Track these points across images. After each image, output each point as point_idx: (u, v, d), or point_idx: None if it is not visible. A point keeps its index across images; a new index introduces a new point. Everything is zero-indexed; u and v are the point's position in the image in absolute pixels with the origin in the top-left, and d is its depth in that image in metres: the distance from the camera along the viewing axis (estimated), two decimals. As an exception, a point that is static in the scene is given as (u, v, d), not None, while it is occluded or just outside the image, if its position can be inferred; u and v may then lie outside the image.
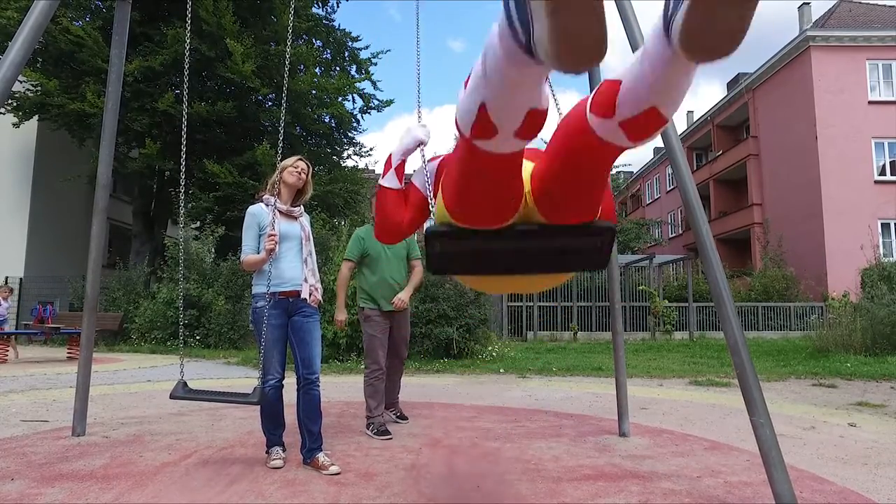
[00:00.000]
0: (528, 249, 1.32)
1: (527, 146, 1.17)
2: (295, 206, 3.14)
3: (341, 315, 4.07)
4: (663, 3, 0.90)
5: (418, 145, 1.80)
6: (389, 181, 1.78)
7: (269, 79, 14.45)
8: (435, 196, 1.57)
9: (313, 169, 3.27)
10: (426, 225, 1.56)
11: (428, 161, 1.72)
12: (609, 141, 1.09)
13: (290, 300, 3.00)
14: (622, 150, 1.14)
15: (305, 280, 3.05)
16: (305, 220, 3.20)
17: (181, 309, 3.11)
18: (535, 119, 1.03)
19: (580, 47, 0.77)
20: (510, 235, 1.28)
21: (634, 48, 2.92)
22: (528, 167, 1.38)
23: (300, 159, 3.17)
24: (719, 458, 3.24)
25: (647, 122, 1.01)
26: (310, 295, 3.05)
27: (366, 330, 3.94)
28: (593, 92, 1.11)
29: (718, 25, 0.78)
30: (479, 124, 1.05)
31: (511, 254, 1.33)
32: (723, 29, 0.78)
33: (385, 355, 3.95)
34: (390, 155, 1.83)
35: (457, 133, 1.16)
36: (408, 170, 1.86)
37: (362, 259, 4.02)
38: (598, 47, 0.78)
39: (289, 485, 2.68)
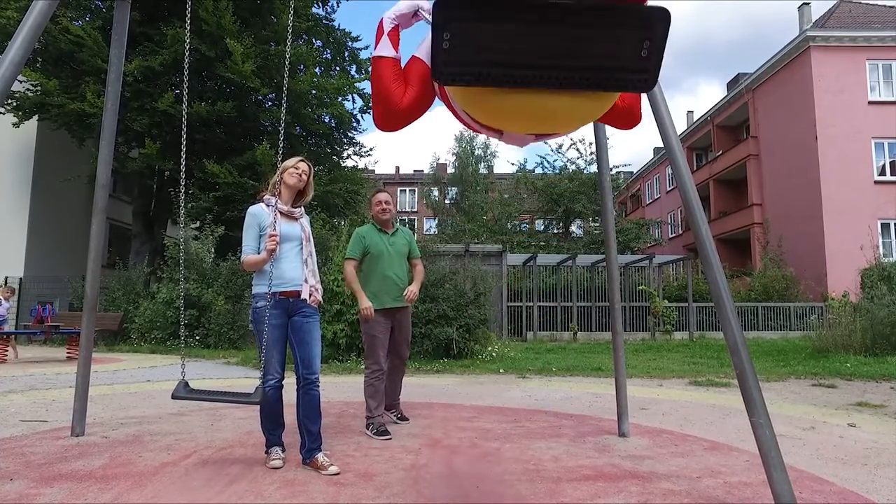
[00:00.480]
0: (561, 44, 1.04)
1: None
2: (296, 207, 3.14)
3: (366, 302, 3.85)
4: None
5: (416, 11, 1.59)
6: (384, 49, 1.57)
7: (269, 79, 14.45)
8: None
9: (314, 169, 3.27)
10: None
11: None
12: None
13: (291, 300, 3.00)
14: None
15: (306, 280, 3.05)
16: (306, 221, 3.21)
17: (182, 309, 3.11)
18: None
19: None
20: (538, 13, 1.00)
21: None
22: None
23: (301, 160, 3.16)
24: (719, 459, 3.24)
25: None
26: (310, 295, 3.05)
27: (366, 330, 3.92)
28: None
29: None
30: None
31: (540, 49, 1.04)
32: None
33: (386, 355, 3.94)
34: (381, 20, 1.61)
35: None
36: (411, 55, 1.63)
37: (364, 258, 4.01)
38: None
39: (288, 485, 2.68)
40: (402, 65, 1.61)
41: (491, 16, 0.99)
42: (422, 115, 1.58)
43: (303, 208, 3.20)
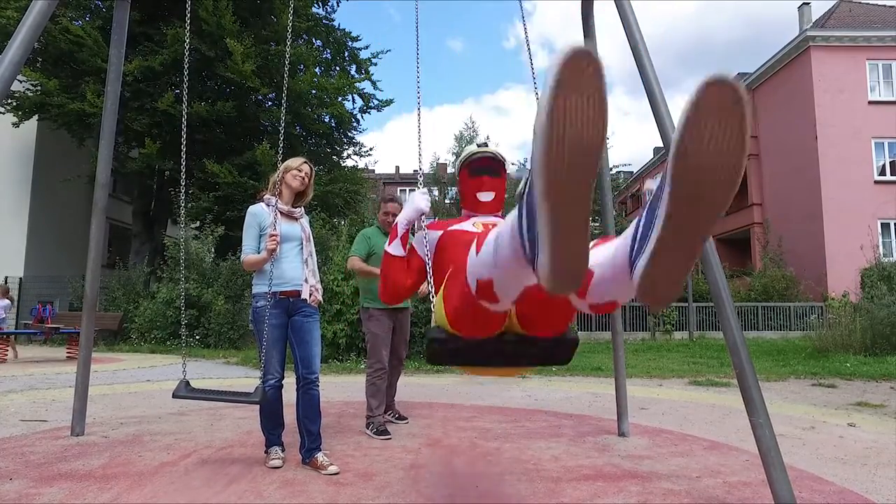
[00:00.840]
0: (509, 352, 1.66)
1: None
2: (296, 208, 3.14)
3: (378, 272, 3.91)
4: (630, 234, 1.10)
5: (420, 215, 2.06)
6: (395, 249, 2.02)
7: (269, 78, 14.45)
8: (436, 283, 1.79)
9: (314, 170, 3.27)
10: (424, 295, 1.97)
11: (427, 229, 1.99)
12: (578, 308, 1.40)
13: (291, 300, 3.00)
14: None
15: (306, 280, 3.05)
16: (306, 221, 3.21)
17: (183, 308, 3.11)
18: (530, 290, 1.28)
19: (565, 283, 1.01)
20: (495, 342, 1.62)
21: (633, 48, 2.93)
22: None
23: (305, 162, 3.17)
24: (719, 459, 3.24)
25: (607, 307, 1.32)
26: (310, 295, 3.05)
27: (370, 328, 3.94)
28: None
29: (662, 291, 1.04)
30: (485, 293, 1.31)
31: (495, 354, 1.68)
32: (664, 295, 1.05)
33: (388, 354, 3.95)
34: (396, 223, 2.06)
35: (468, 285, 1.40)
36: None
37: (368, 258, 4.02)
38: (578, 281, 1.02)
39: (288, 484, 2.68)
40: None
41: (459, 341, 1.62)
42: (418, 289, 2.16)
43: (303, 208, 3.20)
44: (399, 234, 2.03)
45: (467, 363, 1.77)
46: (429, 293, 1.81)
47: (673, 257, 1.00)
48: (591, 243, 1.25)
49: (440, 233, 1.99)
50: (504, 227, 1.20)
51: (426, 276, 1.88)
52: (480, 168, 2.10)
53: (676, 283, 1.03)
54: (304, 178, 3.12)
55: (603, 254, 1.23)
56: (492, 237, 1.27)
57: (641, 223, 1.07)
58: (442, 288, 1.69)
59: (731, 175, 0.89)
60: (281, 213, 3.03)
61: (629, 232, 1.13)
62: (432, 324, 1.76)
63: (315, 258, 3.20)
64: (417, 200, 2.06)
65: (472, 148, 2.15)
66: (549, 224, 0.95)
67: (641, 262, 1.04)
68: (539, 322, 1.58)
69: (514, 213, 1.14)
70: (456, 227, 2.01)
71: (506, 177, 2.19)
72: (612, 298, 1.28)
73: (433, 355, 1.72)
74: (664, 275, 1.02)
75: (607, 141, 1.16)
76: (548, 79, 0.86)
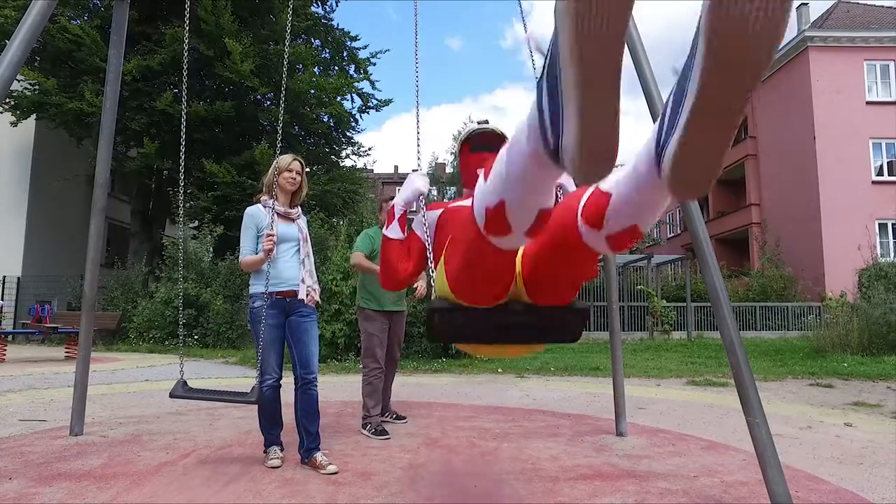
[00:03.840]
0: (514, 324, 1.55)
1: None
2: (293, 208, 3.15)
3: (421, 282, 3.99)
4: (656, 127, 0.99)
5: (419, 196, 1.94)
6: (393, 232, 1.92)
7: (267, 78, 14.43)
8: (436, 260, 1.69)
9: (309, 167, 3.28)
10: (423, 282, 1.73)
11: (426, 210, 1.87)
12: (593, 247, 1.27)
13: (288, 300, 3.01)
14: (602, 253, 1.34)
15: (303, 280, 3.06)
16: (303, 221, 3.22)
17: (180, 308, 3.12)
18: (543, 218, 1.17)
19: (596, 162, 0.91)
20: (500, 312, 1.51)
21: (630, 47, 2.93)
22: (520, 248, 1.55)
23: (295, 160, 3.16)
24: (716, 458, 3.25)
25: (629, 237, 1.19)
26: (307, 295, 3.06)
27: (365, 329, 3.96)
28: (585, 197, 1.24)
29: (698, 171, 0.92)
30: (496, 223, 1.18)
31: (499, 328, 1.56)
32: (700, 177, 0.92)
33: (384, 355, 3.96)
34: (393, 206, 1.96)
35: (474, 219, 1.28)
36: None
37: (371, 257, 4.03)
38: (612, 161, 0.91)
39: (286, 484, 2.69)
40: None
41: (462, 312, 1.52)
42: (419, 276, 2.01)
43: (300, 209, 3.21)
44: (396, 217, 1.94)
45: (471, 338, 1.66)
46: (428, 271, 1.70)
47: (709, 128, 0.88)
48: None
49: (440, 211, 1.90)
50: (518, 127, 1.08)
51: (426, 260, 1.78)
52: (482, 144, 1.99)
53: (713, 161, 0.91)
54: (294, 179, 3.13)
55: (620, 173, 1.11)
56: (503, 152, 1.15)
57: (669, 104, 0.96)
58: (442, 259, 1.61)
59: (774, 26, 0.76)
60: (278, 214, 3.05)
61: (653, 129, 1.02)
62: (433, 298, 1.65)
63: (312, 258, 3.21)
64: (415, 181, 1.95)
65: (474, 125, 2.06)
66: (577, 85, 0.84)
67: (672, 143, 0.92)
68: (545, 287, 1.47)
69: (531, 104, 1.02)
70: (456, 204, 1.92)
71: None
72: (634, 221, 1.15)
73: (434, 329, 1.59)
74: (699, 151, 0.90)
75: None
76: None
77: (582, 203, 1.24)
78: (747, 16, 0.75)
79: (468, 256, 1.39)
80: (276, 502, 2.45)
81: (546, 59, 0.96)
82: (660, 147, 0.97)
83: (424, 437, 3.77)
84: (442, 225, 1.85)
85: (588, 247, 1.27)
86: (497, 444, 3.57)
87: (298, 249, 3.09)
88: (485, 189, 1.20)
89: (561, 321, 1.59)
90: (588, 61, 0.83)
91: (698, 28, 0.82)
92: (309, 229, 3.27)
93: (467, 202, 1.81)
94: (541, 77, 0.99)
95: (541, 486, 2.69)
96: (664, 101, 0.99)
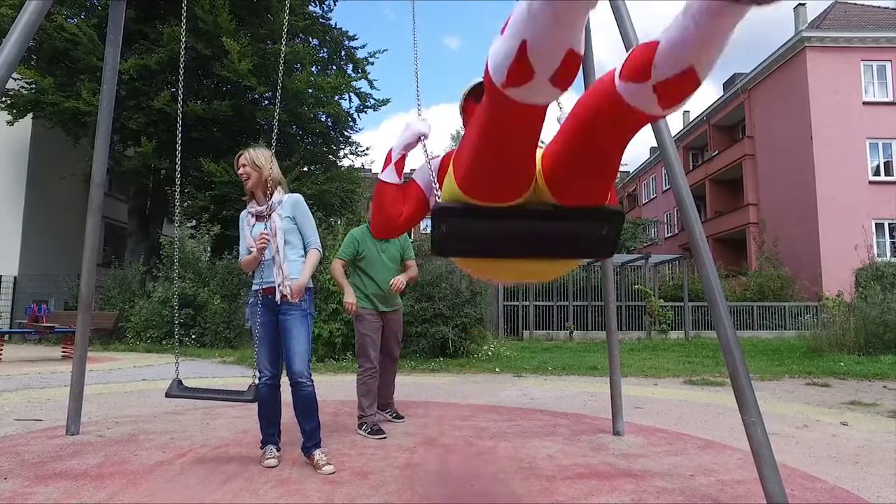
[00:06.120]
0: (535, 232, 1.30)
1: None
2: (268, 203, 3.00)
3: (350, 298, 3.93)
4: None
5: (419, 139, 1.76)
6: (389, 175, 1.78)
7: (265, 77, 14.41)
8: (440, 183, 1.54)
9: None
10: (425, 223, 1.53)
11: (431, 158, 1.69)
12: (636, 107, 1.04)
13: (270, 297, 3.00)
14: (646, 121, 1.11)
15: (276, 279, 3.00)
16: (279, 212, 3.04)
17: (176, 307, 3.11)
18: (571, 62, 0.97)
19: None
20: (519, 215, 1.26)
21: (628, 48, 2.93)
22: (538, 152, 1.36)
23: (240, 156, 3.13)
24: (712, 457, 3.26)
25: (683, 84, 0.97)
26: (281, 294, 2.93)
27: (359, 329, 3.97)
28: (623, 59, 1.06)
29: None
30: (517, 66, 0.98)
31: (518, 237, 1.31)
32: None
33: (378, 355, 3.97)
34: (390, 150, 1.81)
35: (488, 85, 1.09)
36: (408, 167, 1.85)
37: (357, 260, 4.03)
38: None
39: (283, 483, 2.68)
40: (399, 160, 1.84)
41: (473, 217, 1.29)
42: (414, 226, 1.88)
43: (275, 202, 3.03)
44: (393, 161, 1.78)
45: (484, 250, 1.39)
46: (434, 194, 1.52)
47: None
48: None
49: (443, 155, 1.76)
50: None
51: (425, 209, 1.64)
52: None
53: None
54: (244, 174, 3.10)
55: (668, 24, 0.95)
56: None
57: None
58: (450, 167, 1.44)
59: None
60: (251, 214, 3.08)
61: None
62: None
63: (284, 252, 2.96)
64: (416, 124, 1.76)
65: (477, 80, 1.92)
66: None
67: None
68: (575, 176, 1.24)
69: None
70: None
71: None
72: (690, 61, 0.94)
73: (440, 239, 1.34)
74: None
75: None
76: None
77: (619, 68, 1.06)
78: None
79: (483, 130, 1.19)
80: (273, 502, 2.44)
81: None
82: None
83: (422, 436, 3.77)
84: (444, 167, 1.68)
85: (631, 111, 1.05)
86: (494, 443, 3.57)
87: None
88: (500, 40, 1.01)
89: (592, 228, 1.32)
90: None
91: None
92: (290, 219, 3.08)
93: None
94: None
95: (538, 485, 2.70)
96: None
